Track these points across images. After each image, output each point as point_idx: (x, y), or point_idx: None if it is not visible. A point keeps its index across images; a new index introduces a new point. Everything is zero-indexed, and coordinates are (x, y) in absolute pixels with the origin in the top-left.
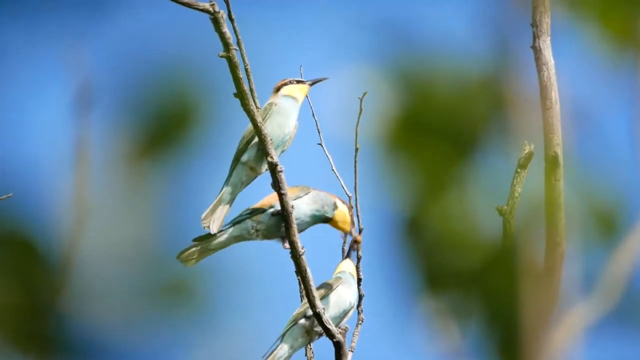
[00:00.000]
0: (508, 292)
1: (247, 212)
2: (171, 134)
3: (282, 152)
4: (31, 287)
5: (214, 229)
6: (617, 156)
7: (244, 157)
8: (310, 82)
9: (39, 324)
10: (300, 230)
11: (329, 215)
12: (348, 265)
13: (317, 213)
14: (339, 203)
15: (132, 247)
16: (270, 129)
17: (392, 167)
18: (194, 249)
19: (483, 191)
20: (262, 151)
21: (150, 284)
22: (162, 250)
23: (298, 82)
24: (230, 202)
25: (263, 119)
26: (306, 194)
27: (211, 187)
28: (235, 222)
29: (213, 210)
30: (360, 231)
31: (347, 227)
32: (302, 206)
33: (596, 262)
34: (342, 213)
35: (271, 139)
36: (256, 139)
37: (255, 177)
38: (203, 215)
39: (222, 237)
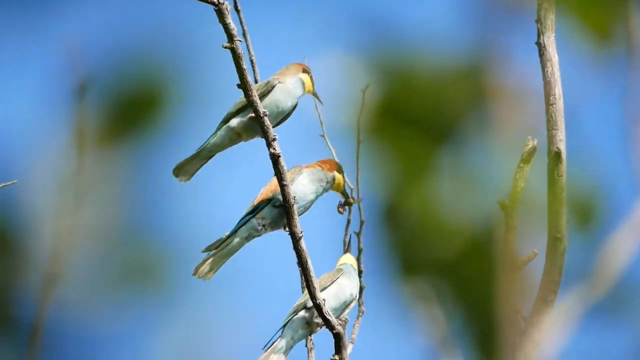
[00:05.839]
0: (486, 281)
1: (249, 211)
2: (141, 115)
3: (276, 126)
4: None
5: (182, 180)
6: (604, 151)
7: (233, 122)
8: (314, 92)
9: (8, 306)
10: (306, 209)
11: (328, 188)
12: (349, 258)
13: (317, 192)
14: (337, 175)
15: (101, 228)
16: (269, 104)
17: (372, 156)
18: (207, 261)
19: (463, 179)
20: (265, 140)
21: (122, 265)
22: (132, 231)
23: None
24: (206, 159)
25: (264, 94)
26: (300, 174)
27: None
28: (241, 225)
29: (187, 162)
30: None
31: (340, 188)
32: (300, 189)
33: (584, 254)
34: (339, 182)
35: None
36: (249, 109)
37: (238, 143)
38: (177, 165)
39: (233, 242)
